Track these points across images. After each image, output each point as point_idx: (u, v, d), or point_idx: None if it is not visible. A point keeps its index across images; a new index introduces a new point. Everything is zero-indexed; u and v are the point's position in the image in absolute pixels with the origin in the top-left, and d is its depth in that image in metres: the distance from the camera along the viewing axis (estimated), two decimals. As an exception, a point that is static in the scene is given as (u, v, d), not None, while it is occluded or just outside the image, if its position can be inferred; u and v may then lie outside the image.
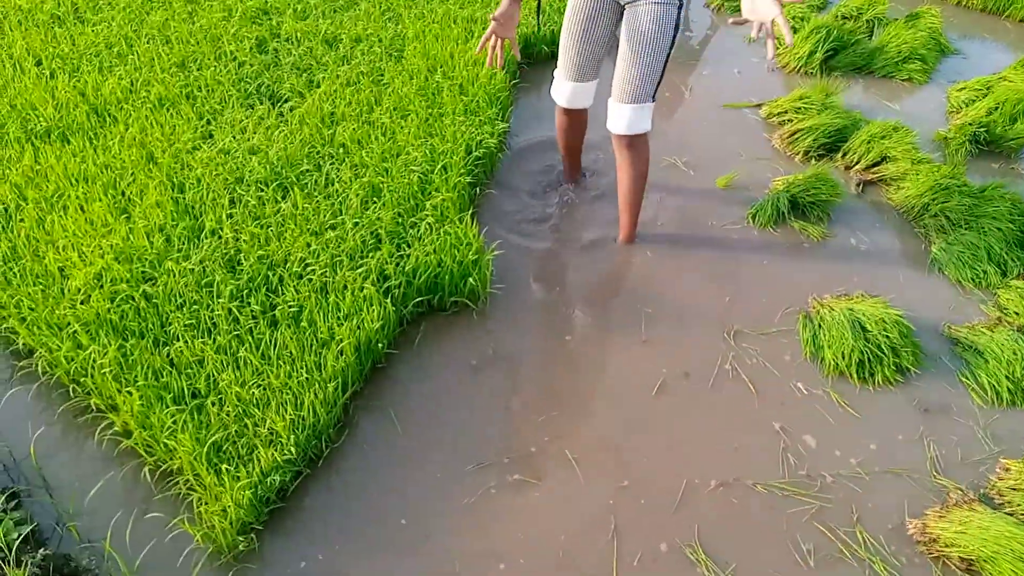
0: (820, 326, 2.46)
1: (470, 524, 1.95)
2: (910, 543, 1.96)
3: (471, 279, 2.46)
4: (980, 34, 4.68)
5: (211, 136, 3.00)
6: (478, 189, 2.93)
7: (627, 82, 2.36)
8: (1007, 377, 2.33)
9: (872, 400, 2.31)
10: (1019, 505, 2.01)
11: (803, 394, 2.32)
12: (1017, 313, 2.56)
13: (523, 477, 2.06)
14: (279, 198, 2.69)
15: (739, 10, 4.32)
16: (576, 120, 2.75)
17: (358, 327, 2.26)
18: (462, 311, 2.52)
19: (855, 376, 2.35)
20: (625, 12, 2.34)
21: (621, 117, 2.42)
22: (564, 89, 2.60)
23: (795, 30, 4.07)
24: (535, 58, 3.87)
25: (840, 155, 3.24)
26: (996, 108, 3.48)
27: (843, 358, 2.36)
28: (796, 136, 3.27)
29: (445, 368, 2.34)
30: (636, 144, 2.50)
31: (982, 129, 3.39)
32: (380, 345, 2.30)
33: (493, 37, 2.25)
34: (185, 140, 2.92)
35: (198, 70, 3.36)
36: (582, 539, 1.93)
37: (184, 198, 2.66)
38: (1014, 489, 2.05)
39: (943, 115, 3.67)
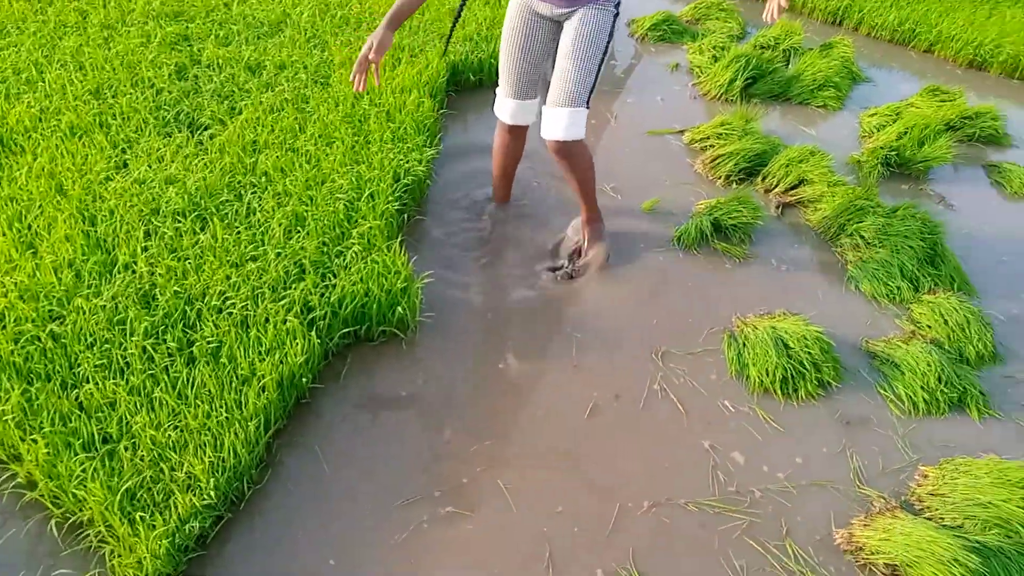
0: (744, 344, 2.51)
1: (401, 561, 1.90)
2: (837, 553, 2.00)
3: (399, 308, 2.42)
4: (888, 63, 4.91)
5: (126, 166, 2.90)
6: (406, 216, 2.90)
7: (564, 82, 2.40)
8: (922, 388, 2.41)
9: (796, 415, 2.36)
10: (937, 510, 2.07)
11: (730, 411, 2.35)
12: (930, 326, 2.66)
13: (455, 509, 2.01)
14: (197, 229, 2.61)
15: (662, 39, 4.45)
16: (516, 138, 2.81)
17: (281, 362, 2.19)
18: (391, 341, 2.48)
19: (779, 392, 2.40)
20: (563, 26, 2.45)
21: (558, 122, 2.44)
22: (507, 106, 2.68)
23: (715, 59, 4.19)
24: (462, 86, 3.88)
25: (760, 179, 3.34)
26: (905, 132, 3.64)
27: (767, 375, 2.40)
28: (718, 161, 3.35)
29: (373, 400, 2.29)
30: (574, 151, 2.53)
31: (892, 152, 3.54)
32: (304, 380, 2.23)
33: (365, 61, 2.36)
34: (98, 170, 2.81)
35: (113, 97, 3.25)
36: (517, 570, 1.90)
37: (96, 231, 2.55)
38: (932, 495, 2.12)
39: (856, 139, 3.82)
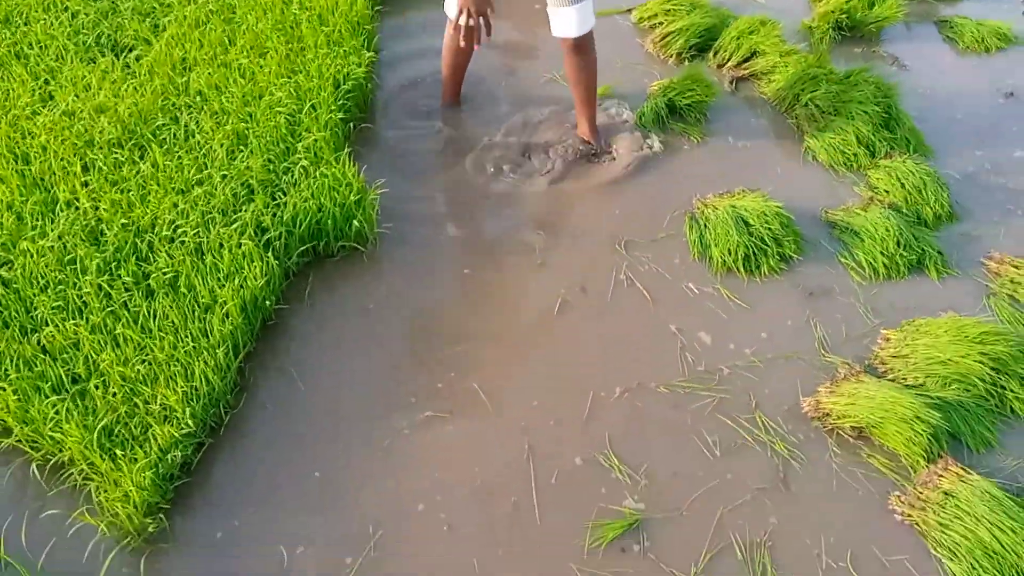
0: (706, 226, 2.51)
1: (384, 469, 1.94)
2: (805, 420, 2.07)
3: (356, 221, 2.38)
4: (834, -82, 4.73)
5: (52, 98, 2.74)
6: (352, 125, 2.80)
7: None
8: (881, 253, 2.45)
9: (760, 291, 2.39)
10: (900, 371, 2.15)
11: (695, 293, 2.37)
12: (887, 191, 2.68)
13: (434, 413, 2.04)
14: (137, 158, 2.50)
15: None
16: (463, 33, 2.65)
17: (241, 286, 2.15)
18: (351, 255, 2.44)
19: (742, 270, 2.42)
20: None
21: (570, 19, 2.42)
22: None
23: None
24: (397, -20, 3.69)
25: (712, 54, 3.26)
26: (855, -9, 3.55)
27: (729, 254, 2.42)
28: (667, 39, 3.26)
29: (340, 316, 2.27)
30: (586, 44, 2.51)
31: (843, 15, 3.47)
32: (268, 302, 2.21)
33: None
34: (22, 105, 2.65)
35: (25, 24, 3.04)
36: (498, 467, 1.95)
37: (30, 170, 2.44)
38: (895, 356, 2.19)
39: (807, 4, 3.73)
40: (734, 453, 1.99)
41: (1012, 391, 2.09)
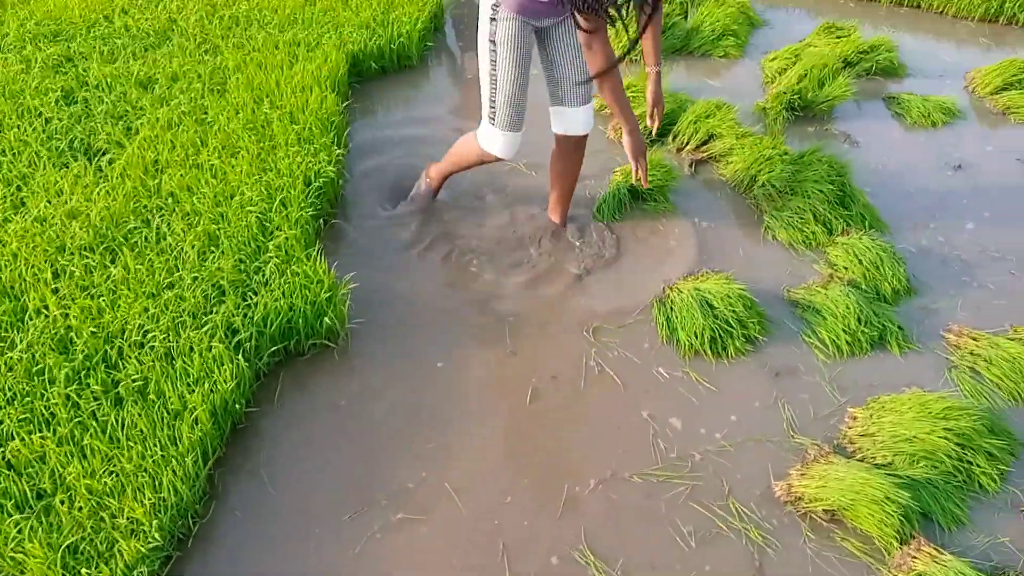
0: (672, 309, 2.56)
1: (359, 573, 1.91)
2: (779, 505, 2.08)
3: (327, 318, 2.40)
4: (784, 3, 4.99)
5: (23, 204, 2.77)
6: (322, 221, 2.85)
7: (582, 84, 2.50)
8: (844, 330, 2.50)
9: (728, 373, 2.43)
10: (868, 450, 2.17)
11: (665, 378, 2.40)
12: (846, 268, 2.75)
13: (406, 515, 2.03)
14: (108, 263, 2.52)
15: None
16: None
17: (211, 390, 2.15)
18: (323, 352, 2.45)
19: (709, 352, 2.46)
20: (547, 32, 2.44)
21: (581, 118, 2.58)
22: (511, 141, 2.56)
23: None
24: (364, 76, 3.81)
25: (671, 138, 3.38)
26: (805, 75, 3.72)
27: (696, 337, 2.46)
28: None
29: (311, 415, 2.27)
30: (585, 141, 2.68)
31: (795, 96, 3.62)
32: (238, 405, 2.20)
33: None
34: (-8, 213, 2.68)
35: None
36: (473, 567, 1.93)
37: (0, 278, 2.45)
38: (862, 436, 2.21)
39: (760, 86, 3.89)
40: (709, 542, 1.99)
41: (978, 466, 2.12)
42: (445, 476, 2.11)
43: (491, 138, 2.55)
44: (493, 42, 2.37)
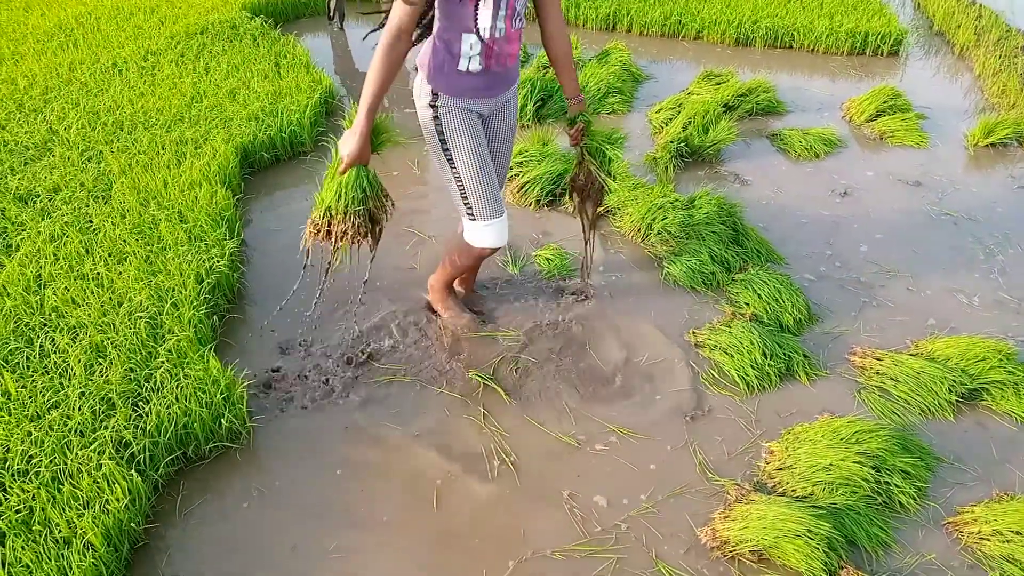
0: (583, 366, 2.54)
1: None
2: (707, 552, 2.03)
3: (224, 419, 2.29)
4: (665, 57, 5.20)
5: None
6: (218, 318, 2.76)
7: (503, 177, 2.52)
8: (751, 366, 2.52)
9: (640, 421, 2.39)
10: (788, 484, 2.16)
11: (579, 440, 2.35)
12: (747, 304, 2.80)
13: (323, 620, 1.90)
14: (-15, 389, 2.37)
15: None
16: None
17: (103, 511, 2.01)
18: (224, 453, 2.33)
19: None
20: (488, 122, 2.34)
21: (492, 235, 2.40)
22: (500, 227, 2.34)
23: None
24: (257, 166, 3.77)
25: (568, 197, 3.41)
26: (690, 122, 3.85)
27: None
28: (524, 188, 3.41)
29: (216, 520, 2.14)
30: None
31: (682, 144, 3.73)
32: (134, 524, 2.06)
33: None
34: None
35: None
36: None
37: None
38: (780, 469, 2.21)
39: (649, 137, 4.00)
40: (642, 607, 1.92)
41: (896, 486, 2.13)
42: (360, 576, 1.99)
43: (479, 234, 2.35)
44: (443, 140, 2.23)
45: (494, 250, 2.41)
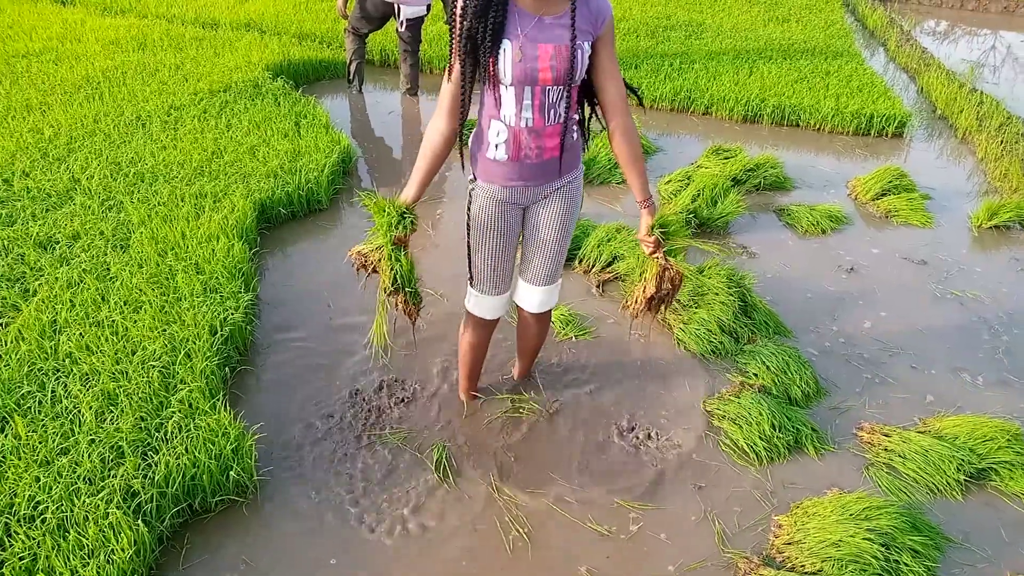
0: (591, 431, 2.55)
1: None
2: (715, 626, 2.01)
3: (233, 472, 2.29)
4: (674, 130, 5.33)
5: (-95, 378, 2.61)
6: (229, 370, 2.78)
7: (556, 260, 2.33)
8: (760, 437, 2.53)
9: (652, 493, 2.39)
10: (797, 559, 2.15)
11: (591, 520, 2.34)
12: (755, 375, 2.81)
13: None
14: (-4, 433, 2.37)
15: None
16: (490, 329, 2.53)
17: (107, 561, 1.99)
18: (231, 507, 2.32)
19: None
20: (529, 211, 2.24)
21: (551, 296, 2.42)
22: (492, 303, 2.38)
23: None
24: (274, 222, 3.83)
25: (577, 262, 3.48)
26: (698, 194, 3.93)
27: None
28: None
29: (219, 577, 2.12)
30: (547, 315, 2.52)
31: (691, 215, 3.80)
32: (137, 575, 2.04)
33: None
34: None
35: None
36: None
37: None
38: (789, 544, 2.19)
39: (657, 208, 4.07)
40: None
41: (905, 564, 2.11)
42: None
43: (472, 300, 2.40)
44: (468, 217, 2.22)
45: (486, 321, 2.44)
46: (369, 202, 2.12)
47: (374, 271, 2.17)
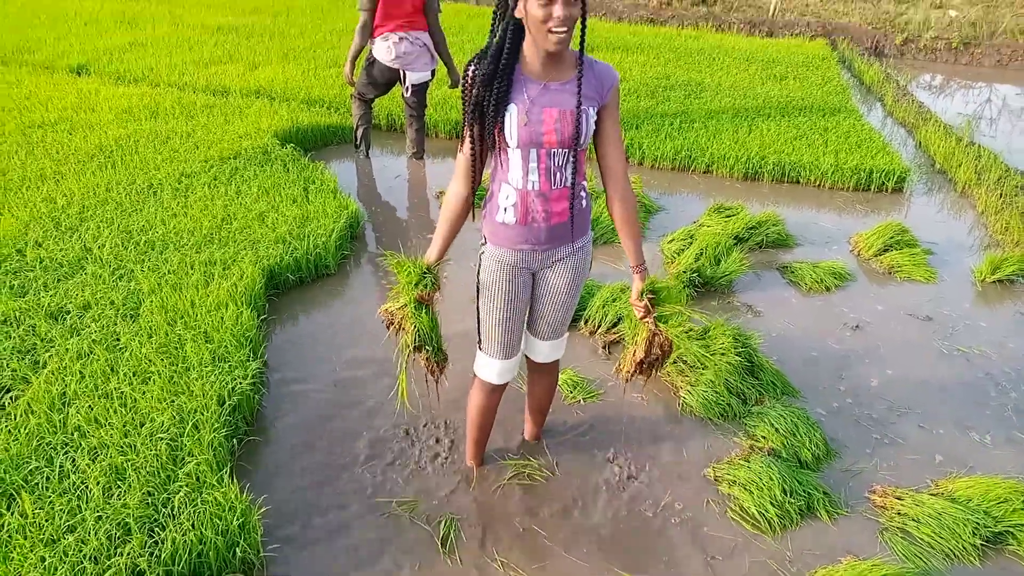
0: (600, 499, 2.53)
1: None
2: None
3: (239, 548, 2.27)
4: (676, 189, 5.39)
5: (-86, 454, 2.62)
6: (237, 440, 2.78)
7: (564, 316, 2.37)
8: (771, 503, 2.50)
9: (657, 560, 2.36)
10: (814, 631, 2.11)
11: None
12: (764, 437, 2.80)
13: None
14: (3, 509, 2.36)
15: None
16: (499, 393, 2.52)
17: (112, 646, 1.97)
18: (238, 584, 2.30)
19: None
20: (538, 275, 2.27)
21: (544, 350, 2.45)
22: (501, 368, 2.38)
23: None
24: (282, 288, 3.87)
25: (582, 323, 3.49)
26: (701, 253, 3.96)
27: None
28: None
29: (225, 660, 2.09)
30: (555, 366, 2.57)
31: (694, 274, 3.82)
32: (142, 659, 2.02)
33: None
34: None
35: None
36: None
37: None
38: (805, 615, 2.16)
39: (661, 266, 4.11)
40: None
41: (923, 634, 2.08)
42: None
43: (479, 363, 2.42)
44: (478, 277, 2.26)
45: (494, 387, 2.45)
46: (393, 262, 2.22)
47: (400, 328, 2.24)
